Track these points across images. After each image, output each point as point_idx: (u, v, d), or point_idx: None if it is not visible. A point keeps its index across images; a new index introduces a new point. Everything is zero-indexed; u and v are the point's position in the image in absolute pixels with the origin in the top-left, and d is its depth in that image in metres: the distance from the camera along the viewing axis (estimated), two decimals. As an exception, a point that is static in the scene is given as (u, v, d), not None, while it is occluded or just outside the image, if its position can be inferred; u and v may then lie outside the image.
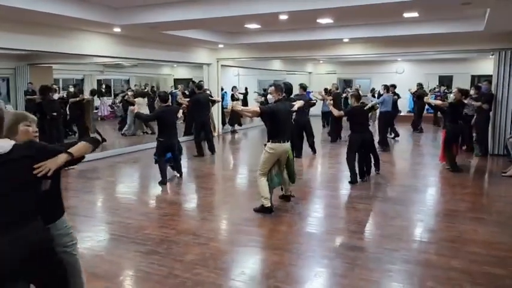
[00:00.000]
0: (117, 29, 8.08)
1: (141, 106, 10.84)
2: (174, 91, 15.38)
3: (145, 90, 15.84)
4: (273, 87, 5.18)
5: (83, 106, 10.01)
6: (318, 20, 8.24)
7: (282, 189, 5.63)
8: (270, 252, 4.03)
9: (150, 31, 8.31)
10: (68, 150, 2.26)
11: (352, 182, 6.65)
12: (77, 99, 9.90)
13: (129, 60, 12.82)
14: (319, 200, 6.09)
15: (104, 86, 19.29)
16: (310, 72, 19.14)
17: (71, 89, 11.36)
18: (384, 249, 4.06)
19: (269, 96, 5.26)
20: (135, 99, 11.68)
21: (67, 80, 18.02)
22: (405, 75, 17.19)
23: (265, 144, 5.19)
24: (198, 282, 3.38)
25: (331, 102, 8.32)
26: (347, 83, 19.66)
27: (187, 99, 9.63)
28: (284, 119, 5.15)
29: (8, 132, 2.20)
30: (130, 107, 9.67)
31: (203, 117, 9.23)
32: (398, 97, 12.36)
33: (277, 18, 6.86)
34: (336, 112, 7.08)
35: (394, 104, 11.38)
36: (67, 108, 10.21)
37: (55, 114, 7.57)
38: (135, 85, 18.47)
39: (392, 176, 7.58)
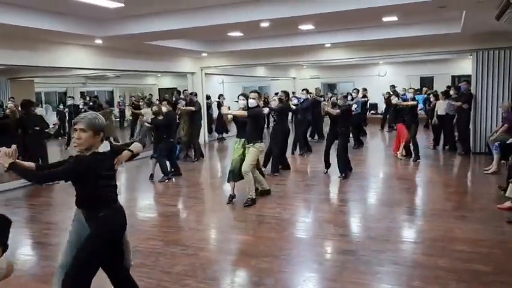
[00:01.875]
0: (98, 41, 8.03)
1: (148, 115, 10.80)
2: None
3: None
4: (256, 93, 5.94)
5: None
6: (299, 27, 8.33)
7: (257, 189, 6.10)
8: (259, 259, 4.03)
9: (132, 42, 8.29)
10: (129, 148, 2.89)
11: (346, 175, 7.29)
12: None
13: (112, 71, 12.74)
14: (305, 205, 6.13)
15: (87, 98, 19.09)
16: (294, 78, 19.29)
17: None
18: (372, 251, 4.10)
19: (251, 101, 5.81)
20: (142, 110, 11.55)
21: (49, 94, 17.82)
22: (387, 78, 17.43)
23: (247, 144, 5.80)
24: (188, 293, 3.36)
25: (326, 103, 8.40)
26: (331, 87, 19.85)
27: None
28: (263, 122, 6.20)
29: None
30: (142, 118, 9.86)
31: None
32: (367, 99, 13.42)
33: (258, 26, 6.92)
34: (334, 111, 7.29)
35: (363, 106, 12.13)
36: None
37: (37, 128, 7.47)
38: (133, 96, 18.31)
39: (375, 177, 7.68)
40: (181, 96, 11.06)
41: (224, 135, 13.80)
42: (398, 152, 8.94)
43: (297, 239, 4.64)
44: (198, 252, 4.25)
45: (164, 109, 7.70)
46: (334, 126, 7.46)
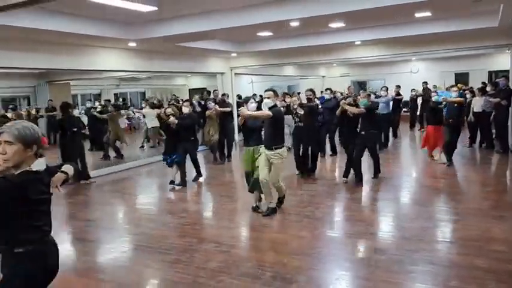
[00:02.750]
0: (132, 44, 8.27)
1: (150, 117, 10.96)
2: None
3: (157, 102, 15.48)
4: (271, 92, 5.23)
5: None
6: (329, 25, 8.28)
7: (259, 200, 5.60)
8: (291, 257, 4.06)
9: (164, 44, 8.48)
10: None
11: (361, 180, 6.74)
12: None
13: (144, 73, 13.07)
14: (338, 204, 6.10)
15: (120, 99, 19.65)
16: (323, 76, 19.14)
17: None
18: (405, 250, 4.05)
19: (267, 100, 5.19)
20: (144, 111, 11.69)
21: (84, 95, 18.46)
22: (420, 74, 17.01)
23: (275, 149, 5.10)
24: (222, 289, 3.44)
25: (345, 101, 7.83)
26: (361, 85, 19.57)
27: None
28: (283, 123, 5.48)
29: None
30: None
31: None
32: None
33: (288, 25, 6.93)
34: (356, 110, 6.61)
35: (396, 105, 11.25)
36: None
37: (75, 130, 7.77)
38: (150, 97, 18.71)
39: (408, 176, 7.54)
40: (211, 96, 11.19)
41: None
42: (435, 158, 8.20)
43: (329, 238, 4.64)
44: (231, 249, 4.33)
45: (186, 110, 7.49)
46: (353, 128, 6.81)
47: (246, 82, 18.95)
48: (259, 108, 5.59)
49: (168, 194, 7.00)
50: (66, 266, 4.20)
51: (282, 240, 4.64)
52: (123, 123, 11.50)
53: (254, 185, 5.39)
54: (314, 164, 7.53)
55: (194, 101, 12.23)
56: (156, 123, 10.66)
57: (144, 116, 11.68)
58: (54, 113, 13.21)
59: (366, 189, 6.55)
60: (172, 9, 6.58)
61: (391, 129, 11.15)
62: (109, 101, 13.44)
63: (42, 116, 12.34)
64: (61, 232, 5.40)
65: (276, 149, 5.09)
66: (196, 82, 19.70)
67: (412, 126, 13.91)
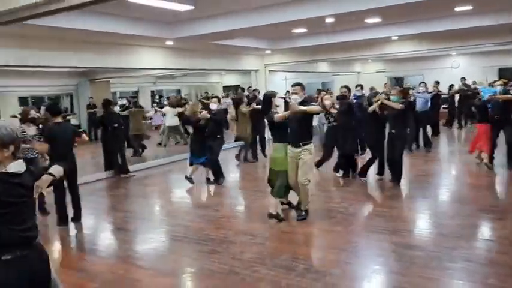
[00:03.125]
0: (169, 42, 8.51)
1: (170, 115, 10.90)
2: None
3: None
4: (298, 87, 4.88)
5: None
6: (365, 20, 8.19)
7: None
8: (326, 251, 4.11)
9: (199, 42, 8.67)
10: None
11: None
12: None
13: (181, 70, 13.36)
14: (372, 201, 6.06)
15: (157, 97, 20.19)
16: (358, 72, 18.88)
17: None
18: (443, 247, 3.99)
19: (294, 96, 4.82)
20: (164, 109, 11.52)
21: (123, 93, 19.12)
22: (461, 70, 16.44)
23: (303, 145, 4.80)
24: (258, 278, 3.53)
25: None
26: (398, 81, 19.14)
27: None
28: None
29: None
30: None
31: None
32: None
33: (323, 22, 6.92)
34: (397, 105, 6.21)
35: (426, 102, 10.02)
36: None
37: (116, 126, 8.08)
38: (186, 94, 19.09)
39: (447, 173, 7.35)
40: (245, 93, 11.21)
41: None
42: (484, 160, 7.34)
43: (364, 233, 4.63)
44: (265, 242, 4.42)
45: (214, 106, 7.28)
46: (382, 126, 6.55)
47: (279, 79, 18.96)
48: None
49: (202, 188, 7.15)
50: (109, 253, 4.47)
51: (317, 234, 4.69)
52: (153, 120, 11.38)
53: (280, 191, 4.98)
54: (352, 164, 7.15)
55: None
56: (176, 122, 10.71)
57: (164, 115, 11.45)
58: (94, 109, 13.80)
59: (402, 186, 6.44)
60: (209, 8, 6.72)
61: (429, 127, 10.71)
62: (134, 97, 13.46)
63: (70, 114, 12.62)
64: (103, 222, 5.72)
65: (304, 145, 4.81)
66: (230, 79, 19.92)
67: (449, 124, 13.38)
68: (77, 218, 5.42)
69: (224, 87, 20.11)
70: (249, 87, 12.01)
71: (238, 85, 16.74)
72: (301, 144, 4.81)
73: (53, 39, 7.35)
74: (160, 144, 11.73)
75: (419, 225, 4.91)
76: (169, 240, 4.76)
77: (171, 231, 5.04)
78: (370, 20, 8.26)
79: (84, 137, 5.50)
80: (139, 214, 5.82)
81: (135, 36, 7.49)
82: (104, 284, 3.69)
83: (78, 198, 5.47)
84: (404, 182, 6.55)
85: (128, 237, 4.94)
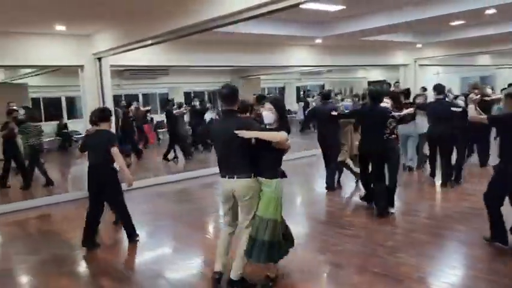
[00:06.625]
0: (318, 41, 8.99)
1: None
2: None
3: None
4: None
5: None
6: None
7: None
8: (471, 247, 4.06)
9: (348, 39, 8.90)
10: None
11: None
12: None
13: (328, 67, 13.81)
14: None
15: (302, 92, 21.01)
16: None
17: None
18: None
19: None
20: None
21: (271, 88, 20.46)
22: None
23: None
24: (400, 263, 3.76)
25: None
26: None
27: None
28: None
29: None
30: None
31: None
32: None
33: (482, 14, 6.50)
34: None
35: None
36: None
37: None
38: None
39: None
40: (392, 88, 10.88)
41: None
42: None
43: None
44: (408, 233, 4.56)
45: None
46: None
47: (431, 73, 17.83)
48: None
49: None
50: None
51: (460, 230, 4.60)
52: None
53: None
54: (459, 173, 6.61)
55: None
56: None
57: None
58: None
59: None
60: (359, 7, 6.90)
61: None
62: (203, 100, 13.44)
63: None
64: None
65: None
66: (376, 74, 19.55)
67: None
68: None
69: (369, 82, 19.83)
70: (396, 82, 11.77)
71: (384, 80, 16.42)
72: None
73: (213, 43, 8.39)
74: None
75: None
76: (313, 222, 5.25)
77: (313, 215, 5.51)
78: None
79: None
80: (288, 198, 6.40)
81: (287, 36, 8.14)
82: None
83: None
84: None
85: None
